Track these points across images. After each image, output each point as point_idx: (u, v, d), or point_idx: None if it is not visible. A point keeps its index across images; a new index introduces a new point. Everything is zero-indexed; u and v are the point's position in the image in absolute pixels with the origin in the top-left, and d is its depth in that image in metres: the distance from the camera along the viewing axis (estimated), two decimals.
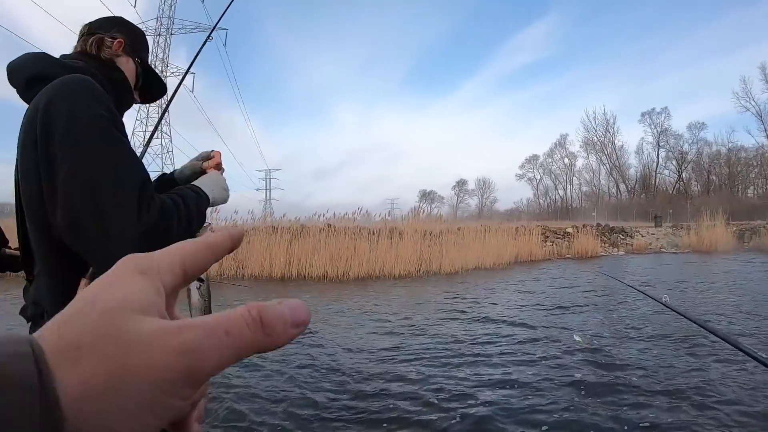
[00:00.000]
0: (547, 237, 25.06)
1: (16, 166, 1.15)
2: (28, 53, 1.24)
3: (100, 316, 0.25)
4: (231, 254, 0.47)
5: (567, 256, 22.83)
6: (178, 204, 1.18)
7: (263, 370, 5.15)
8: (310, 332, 6.70)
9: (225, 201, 1.43)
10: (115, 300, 0.26)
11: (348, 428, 3.85)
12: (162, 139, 49.57)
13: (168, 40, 49.43)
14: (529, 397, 4.35)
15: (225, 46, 50.17)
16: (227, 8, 2.75)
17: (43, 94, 1.10)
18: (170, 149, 49.83)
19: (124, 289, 0.27)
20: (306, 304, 0.28)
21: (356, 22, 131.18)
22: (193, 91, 50.14)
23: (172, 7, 48.57)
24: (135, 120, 49.27)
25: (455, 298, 10.37)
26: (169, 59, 50.11)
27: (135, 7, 47.46)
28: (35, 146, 1.06)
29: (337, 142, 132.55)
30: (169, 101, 2.21)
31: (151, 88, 1.63)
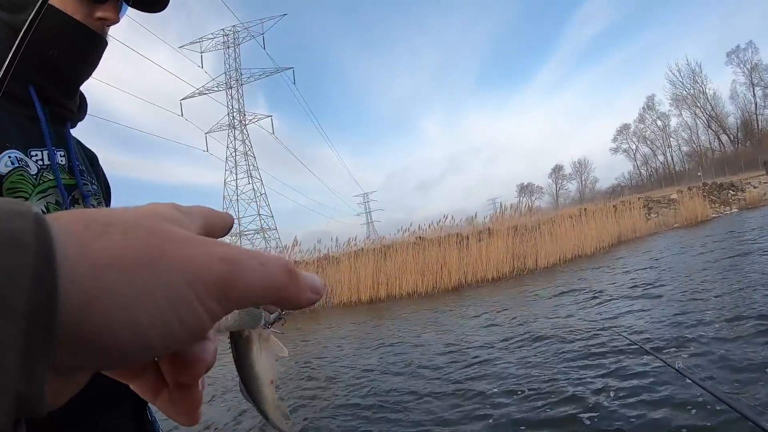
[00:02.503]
0: (651, 208, 23.54)
1: None
2: None
3: (137, 213, 0.25)
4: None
5: (675, 225, 21.18)
6: None
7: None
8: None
9: None
10: (152, 210, 0.26)
11: None
12: (253, 183, 51.50)
13: (240, 90, 51.58)
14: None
15: (294, 83, 51.65)
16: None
17: None
18: (263, 191, 51.69)
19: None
20: (322, 280, 0.31)
21: (421, 29, 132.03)
22: (273, 133, 51.89)
23: (237, 59, 50.65)
24: (225, 170, 51.66)
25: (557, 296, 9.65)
26: (245, 108, 52.24)
27: (202, 67, 49.98)
28: None
29: (431, 153, 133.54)
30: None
31: None
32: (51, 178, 0.81)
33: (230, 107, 51.41)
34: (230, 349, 0.52)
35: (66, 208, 0.78)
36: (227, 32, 50.21)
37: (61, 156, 0.87)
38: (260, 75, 51.79)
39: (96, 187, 0.96)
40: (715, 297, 6.82)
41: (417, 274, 14.21)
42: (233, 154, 51.67)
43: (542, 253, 14.96)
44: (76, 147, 0.94)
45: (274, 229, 49.99)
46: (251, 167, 52.03)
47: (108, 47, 0.95)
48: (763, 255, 9.30)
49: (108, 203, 1.07)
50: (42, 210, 0.74)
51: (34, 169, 0.78)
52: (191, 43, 50.94)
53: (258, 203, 51.25)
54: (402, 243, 15.80)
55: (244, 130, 51.94)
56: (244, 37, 50.26)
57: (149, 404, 0.94)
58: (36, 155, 0.80)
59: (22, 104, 0.82)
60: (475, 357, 6.15)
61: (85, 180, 0.91)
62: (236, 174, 51.59)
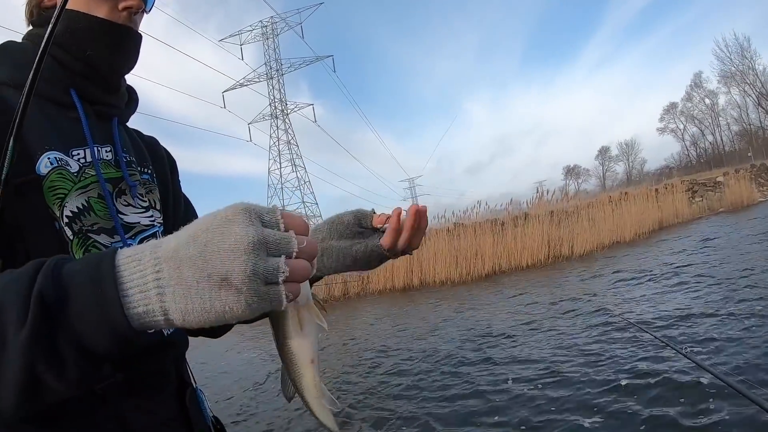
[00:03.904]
0: (695, 192, 22.89)
1: None
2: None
3: None
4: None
5: (720, 210, 20.51)
6: None
7: None
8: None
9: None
10: None
11: None
12: (296, 171, 52.02)
13: (280, 80, 52.02)
14: None
15: (335, 71, 51.84)
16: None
17: None
18: (306, 179, 52.21)
19: None
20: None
21: (462, 11, 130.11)
22: (315, 121, 52.27)
23: (276, 50, 51.08)
24: (268, 160, 52.31)
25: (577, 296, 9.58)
26: (287, 97, 52.73)
27: (243, 59, 50.62)
28: None
29: (478, 135, 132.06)
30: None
31: None
32: (93, 173, 0.84)
33: (271, 97, 51.91)
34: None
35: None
36: (265, 24, 50.60)
37: (106, 151, 0.89)
38: (300, 64, 52.09)
39: (147, 176, 0.98)
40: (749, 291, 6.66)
41: (451, 262, 14.19)
42: (276, 143, 52.21)
43: (579, 240, 14.71)
44: (126, 140, 0.97)
45: (318, 216, 50.45)
46: (294, 155, 52.51)
47: (149, 45, 0.97)
48: None
49: (174, 178, 1.11)
50: (83, 204, 0.80)
51: (75, 167, 0.81)
52: (230, 36, 51.54)
53: (302, 191, 51.70)
54: (438, 230, 15.72)
55: (287, 119, 52.39)
56: (282, 27, 50.56)
57: (197, 387, 0.99)
58: (78, 154, 0.83)
59: (66, 108, 0.85)
60: (489, 342, 6.24)
61: (132, 171, 0.93)
62: (280, 163, 52.17)
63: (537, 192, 16.70)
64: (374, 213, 0.88)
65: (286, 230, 0.51)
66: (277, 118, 51.79)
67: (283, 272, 0.48)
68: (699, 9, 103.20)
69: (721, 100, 70.80)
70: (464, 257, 14.19)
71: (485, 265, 14.04)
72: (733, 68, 67.82)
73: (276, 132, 51.90)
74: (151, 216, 0.94)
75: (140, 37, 0.94)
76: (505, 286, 11.63)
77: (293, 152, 52.34)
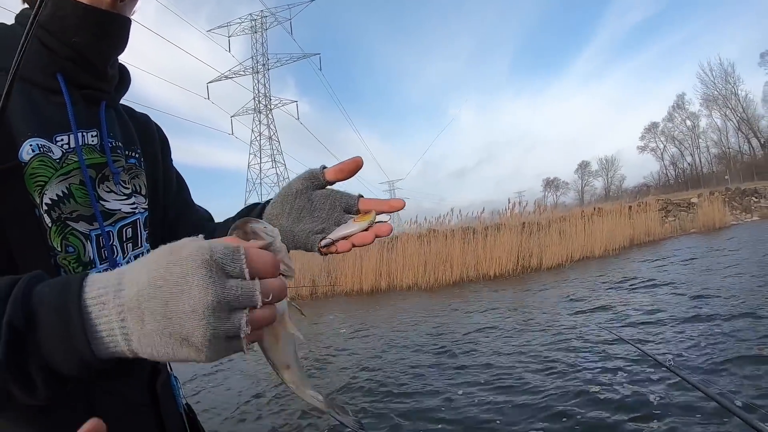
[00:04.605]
0: (669, 211, 23.13)
1: None
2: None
3: None
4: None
5: (692, 230, 20.70)
6: None
7: None
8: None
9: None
10: None
11: None
12: (276, 167, 51.89)
13: (266, 75, 51.87)
14: None
15: (321, 69, 51.82)
16: None
17: None
18: (286, 176, 52.08)
19: None
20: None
21: (457, 15, 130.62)
22: (298, 118, 52.11)
23: (264, 44, 50.89)
24: (249, 154, 52.12)
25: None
26: (271, 92, 52.52)
27: (230, 51, 50.33)
28: None
29: (463, 142, 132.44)
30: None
31: None
32: (76, 159, 0.82)
33: (256, 91, 51.77)
34: None
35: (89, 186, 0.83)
36: (255, 17, 50.50)
37: (92, 136, 0.88)
38: (287, 60, 52.04)
39: (134, 160, 0.97)
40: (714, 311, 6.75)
41: (419, 267, 14.10)
42: (258, 138, 52.08)
43: (549, 253, 14.73)
44: (114, 123, 0.95)
45: None
46: (275, 151, 52.42)
47: (136, 31, 0.94)
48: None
49: (165, 157, 1.10)
50: (63, 191, 0.79)
51: (57, 154, 0.80)
52: (219, 27, 51.41)
53: (281, 187, 51.57)
54: (409, 234, 15.67)
55: (270, 115, 52.27)
56: (271, 22, 50.55)
57: (172, 374, 1.01)
58: (62, 139, 0.82)
59: (52, 93, 0.84)
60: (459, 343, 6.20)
61: (117, 156, 0.92)
62: (260, 158, 52.05)
63: (509, 203, 16.68)
64: (324, 168, 0.85)
65: (252, 276, 0.50)
66: (260, 112, 51.59)
67: (245, 330, 0.49)
68: (688, 32, 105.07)
69: (702, 122, 72.28)
70: (433, 263, 14.13)
71: (453, 272, 14.00)
72: (716, 92, 69.35)
73: (258, 127, 51.74)
74: (133, 203, 0.93)
75: (128, 21, 0.91)
76: (471, 294, 11.61)
77: (274, 148, 52.20)
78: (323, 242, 0.81)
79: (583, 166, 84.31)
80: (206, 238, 0.52)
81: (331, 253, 0.82)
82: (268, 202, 0.93)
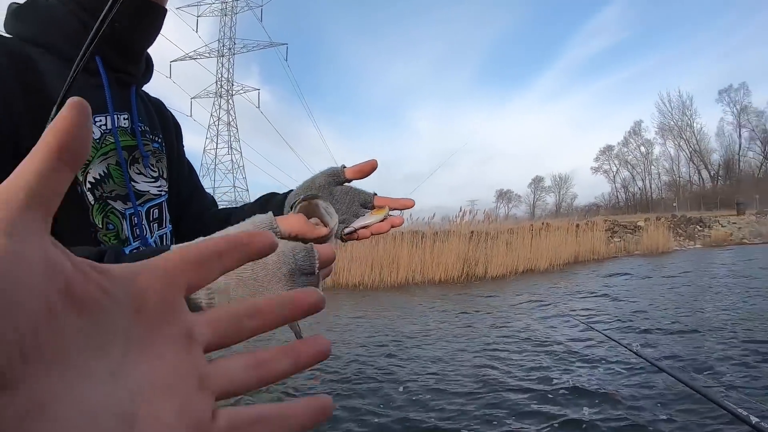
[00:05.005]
0: (615, 232, 23.69)
1: None
2: None
3: None
4: None
5: (636, 252, 21.20)
6: None
7: None
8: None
9: None
10: None
11: None
12: (232, 154, 51.12)
13: (231, 60, 51.06)
14: None
15: (287, 60, 51.30)
16: None
17: None
18: (241, 164, 51.34)
19: None
20: None
21: (428, 19, 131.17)
22: (259, 106, 51.43)
23: (233, 28, 50.09)
24: (206, 138, 51.20)
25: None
26: (234, 78, 51.71)
27: (197, 32, 49.32)
28: None
29: (420, 146, 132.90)
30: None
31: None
32: (112, 141, 0.86)
33: (219, 75, 50.84)
34: None
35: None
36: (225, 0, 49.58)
37: (124, 119, 0.91)
38: (253, 47, 51.28)
39: (158, 144, 1.00)
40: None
41: (366, 267, 14.02)
42: (216, 123, 51.16)
43: (494, 262, 14.85)
44: (141, 108, 0.99)
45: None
46: (233, 138, 51.60)
47: None
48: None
49: (179, 143, 1.15)
50: (104, 171, 0.83)
51: (97, 134, 0.84)
52: (188, 5, 50.23)
53: (234, 175, 50.86)
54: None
55: (230, 100, 51.40)
56: (242, 6, 49.67)
57: None
58: (100, 120, 0.85)
59: (90, 74, 0.86)
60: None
61: (146, 140, 0.96)
62: (217, 143, 51.16)
63: (461, 210, 16.74)
64: (344, 167, 0.90)
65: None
66: (221, 97, 50.71)
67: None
68: (653, 62, 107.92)
69: (656, 150, 74.67)
70: (380, 264, 14.04)
71: (399, 274, 13.96)
72: (672, 122, 71.74)
73: (218, 111, 50.85)
74: (160, 185, 0.98)
75: (165, 12, 0.95)
76: (415, 296, 11.67)
77: (232, 134, 51.40)
78: (346, 230, 0.87)
79: (537, 181, 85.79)
80: (218, 226, 0.63)
81: (353, 239, 0.88)
82: (288, 193, 0.97)
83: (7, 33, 0.83)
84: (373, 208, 0.90)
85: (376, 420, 4.20)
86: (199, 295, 0.51)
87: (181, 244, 0.24)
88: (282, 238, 0.59)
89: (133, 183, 0.90)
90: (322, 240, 0.63)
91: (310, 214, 0.65)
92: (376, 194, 0.91)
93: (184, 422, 0.22)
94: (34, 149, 0.21)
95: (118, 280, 0.22)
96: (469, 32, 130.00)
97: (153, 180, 0.96)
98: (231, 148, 51.24)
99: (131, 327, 0.22)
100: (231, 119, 51.30)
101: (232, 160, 51.04)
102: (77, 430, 0.19)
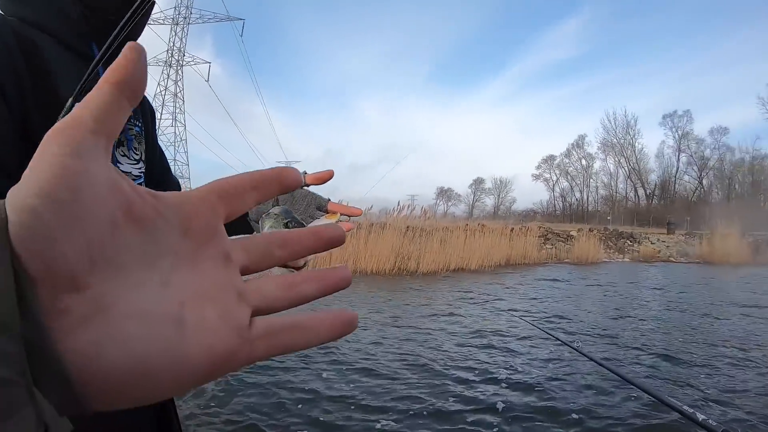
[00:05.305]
0: (548, 239, 24.36)
1: None
2: None
3: None
4: None
5: (566, 260, 21.95)
6: None
7: None
8: None
9: None
10: None
11: None
12: (176, 127, 49.75)
13: (186, 29, 49.60)
14: None
15: (242, 36, 50.41)
16: None
17: None
18: (184, 137, 50.05)
19: None
20: None
21: (391, 9, 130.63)
22: (208, 80, 50.23)
23: None
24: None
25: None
26: (186, 48, 50.32)
27: None
28: None
29: (367, 136, 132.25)
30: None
31: None
32: None
33: (171, 44, 49.25)
34: None
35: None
36: None
37: None
38: (209, 18, 49.79)
39: (139, 128, 1.04)
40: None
41: None
42: (162, 93, 49.49)
43: (427, 258, 15.05)
44: None
45: (186, 179, 48.39)
46: (178, 110, 50.02)
47: None
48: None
49: (152, 125, 1.16)
50: None
51: None
52: None
53: (176, 148, 49.43)
54: None
55: (180, 71, 49.82)
56: None
57: (176, 410, 1.08)
58: None
59: (84, 59, 0.89)
60: None
61: (130, 124, 0.99)
62: (161, 113, 49.62)
63: (399, 204, 16.84)
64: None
65: None
66: (170, 66, 49.07)
67: None
68: (604, 79, 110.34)
69: (597, 164, 76.80)
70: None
71: (331, 263, 13.85)
72: (614, 140, 74.11)
73: (165, 81, 49.22)
74: (141, 168, 1.02)
75: (154, 3, 0.97)
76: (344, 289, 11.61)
77: (177, 106, 49.85)
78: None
79: (478, 182, 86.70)
80: None
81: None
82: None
83: (3, 12, 0.86)
84: (327, 212, 0.96)
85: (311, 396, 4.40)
86: None
87: (221, 178, 0.26)
88: None
89: (118, 164, 0.94)
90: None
91: None
92: (330, 200, 0.97)
93: (226, 325, 0.25)
94: (98, 84, 0.24)
95: (169, 205, 0.25)
96: (432, 28, 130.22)
97: (135, 162, 1.00)
98: (175, 120, 49.76)
99: (179, 246, 0.25)
100: (178, 90, 49.83)
101: (175, 132, 49.61)
102: (135, 328, 0.22)
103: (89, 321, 0.21)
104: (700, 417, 1.24)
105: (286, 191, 0.30)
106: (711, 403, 4.44)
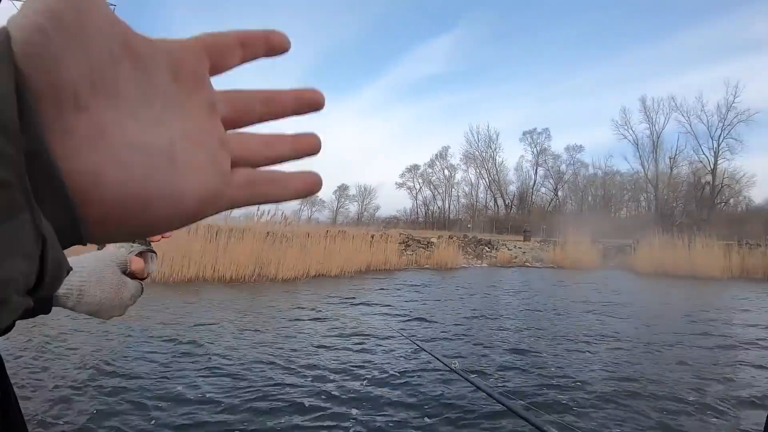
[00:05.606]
0: (409, 245, 25.06)
1: None
2: None
3: None
4: None
5: (426, 266, 22.86)
6: None
7: None
8: None
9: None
10: None
11: None
12: None
13: None
14: None
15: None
16: None
17: None
18: None
19: None
20: None
21: (259, 15, 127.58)
22: None
23: None
24: None
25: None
26: None
27: None
28: None
29: None
30: None
31: None
32: None
33: None
34: None
35: None
36: None
37: None
38: None
39: None
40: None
41: (157, 260, 13.38)
42: None
43: (287, 265, 15.19)
44: None
45: None
46: None
47: None
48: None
49: None
50: None
51: None
52: None
53: None
54: None
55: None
56: None
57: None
58: None
59: None
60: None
61: None
62: None
63: (258, 209, 16.75)
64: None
65: None
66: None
67: None
68: (471, 95, 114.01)
69: (459, 175, 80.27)
70: (171, 257, 13.59)
71: (190, 269, 13.62)
72: (477, 153, 77.90)
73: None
74: None
75: None
76: (202, 294, 11.54)
77: None
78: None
79: (342, 189, 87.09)
80: None
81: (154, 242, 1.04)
82: None
83: None
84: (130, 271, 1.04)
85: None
86: (71, 289, 0.75)
87: (212, 32, 0.29)
88: (125, 272, 0.85)
89: None
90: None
91: (144, 259, 0.91)
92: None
93: (212, 168, 0.26)
94: None
95: (161, 49, 0.26)
96: (316, 28, 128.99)
97: None
98: None
99: (169, 89, 0.26)
100: None
101: None
102: (134, 156, 0.23)
103: (92, 144, 0.22)
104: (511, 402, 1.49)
105: (272, 54, 0.31)
106: (546, 389, 5.15)
